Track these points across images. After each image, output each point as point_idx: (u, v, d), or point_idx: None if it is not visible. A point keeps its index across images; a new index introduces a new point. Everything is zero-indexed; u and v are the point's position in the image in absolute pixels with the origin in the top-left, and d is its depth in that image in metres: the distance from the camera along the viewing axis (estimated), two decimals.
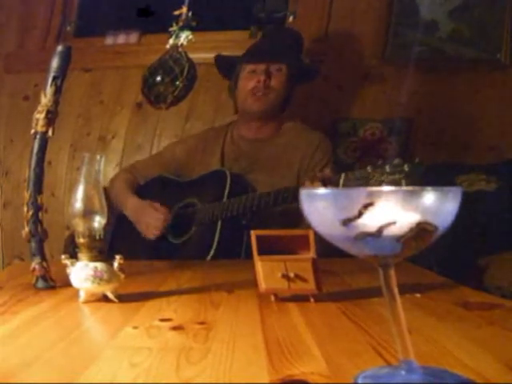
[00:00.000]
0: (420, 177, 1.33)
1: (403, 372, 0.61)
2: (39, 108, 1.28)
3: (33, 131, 1.29)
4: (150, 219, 2.10)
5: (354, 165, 2.71)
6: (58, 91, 1.29)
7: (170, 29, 2.01)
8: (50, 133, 1.28)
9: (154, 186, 2.32)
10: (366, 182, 1.43)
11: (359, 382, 0.62)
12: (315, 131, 2.31)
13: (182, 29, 1.98)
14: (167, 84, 1.98)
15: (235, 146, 2.32)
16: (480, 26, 2.70)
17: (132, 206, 2.20)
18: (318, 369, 0.67)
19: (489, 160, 2.52)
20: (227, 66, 2.34)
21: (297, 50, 2.36)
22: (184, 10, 1.98)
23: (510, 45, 2.66)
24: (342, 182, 1.51)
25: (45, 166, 1.31)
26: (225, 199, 2.00)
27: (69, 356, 0.75)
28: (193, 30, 1.99)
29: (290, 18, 2.87)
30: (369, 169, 1.47)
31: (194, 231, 2.07)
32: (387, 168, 1.40)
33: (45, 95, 1.29)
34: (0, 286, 1.25)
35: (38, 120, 1.28)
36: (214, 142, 2.35)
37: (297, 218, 1.03)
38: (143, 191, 2.30)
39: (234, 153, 2.30)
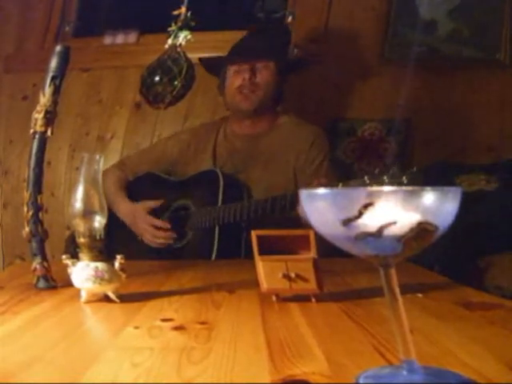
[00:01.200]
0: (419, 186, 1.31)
1: (405, 372, 0.61)
2: (38, 108, 1.28)
3: (32, 131, 1.29)
4: (149, 233, 2.10)
5: (353, 165, 2.72)
6: (56, 91, 1.29)
7: (169, 29, 2.00)
8: (48, 133, 1.28)
9: (144, 185, 2.30)
10: None
11: (360, 382, 0.62)
12: (310, 126, 2.27)
13: (180, 29, 1.98)
14: (165, 84, 1.97)
15: (228, 143, 2.29)
16: (479, 25, 2.70)
17: (125, 212, 2.18)
18: (320, 369, 0.67)
19: (488, 160, 2.53)
20: (214, 66, 2.32)
21: (283, 45, 2.33)
22: (183, 9, 1.98)
23: (510, 44, 2.66)
24: None
25: (44, 166, 1.30)
26: (219, 202, 1.99)
27: (70, 356, 0.75)
28: (191, 29, 1.99)
29: (289, 18, 2.86)
30: (366, 179, 1.45)
31: (192, 236, 2.05)
32: (385, 179, 1.39)
33: (43, 95, 1.28)
34: (1, 286, 1.25)
35: (36, 120, 1.28)
36: (206, 139, 2.32)
37: (296, 224, 1.02)
38: (133, 189, 2.28)
39: (227, 149, 2.27)
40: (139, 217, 2.13)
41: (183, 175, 2.25)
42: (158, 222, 2.09)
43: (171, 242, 2.08)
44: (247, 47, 2.27)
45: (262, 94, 2.18)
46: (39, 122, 1.27)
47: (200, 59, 2.34)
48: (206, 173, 2.16)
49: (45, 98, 1.28)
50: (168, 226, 2.08)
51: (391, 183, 1.37)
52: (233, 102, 2.23)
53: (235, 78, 2.20)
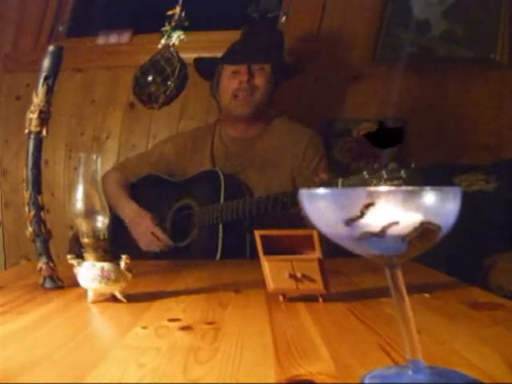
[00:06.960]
0: (418, 183, 1.32)
1: (410, 372, 0.61)
2: (32, 108, 1.28)
3: (27, 131, 1.29)
4: (147, 239, 2.10)
5: (350, 165, 2.72)
6: (49, 91, 1.29)
7: (163, 29, 2.00)
8: (44, 132, 1.28)
9: (146, 185, 2.31)
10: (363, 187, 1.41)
11: (366, 382, 0.62)
12: (303, 128, 2.27)
13: (174, 29, 1.98)
14: (159, 84, 1.97)
15: (224, 146, 2.30)
16: (474, 25, 2.70)
17: (129, 213, 2.18)
18: (326, 369, 0.67)
19: (485, 160, 2.54)
20: (207, 68, 2.31)
21: (278, 49, 2.32)
22: (177, 9, 1.97)
23: (509, 44, 2.67)
24: (339, 187, 1.51)
25: (42, 165, 1.30)
26: (221, 201, 2.00)
27: (77, 356, 0.76)
28: (185, 29, 1.98)
29: (283, 18, 2.86)
30: (365, 174, 1.45)
31: (196, 234, 2.06)
32: (384, 174, 1.40)
33: (36, 95, 1.28)
34: (2, 286, 1.25)
35: (31, 120, 1.28)
36: (202, 142, 2.33)
37: (298, 222, 1.02)
38: (135, 190, 2.29)
39: (224, 152, 2.28)
40: (144, 223, 2.12)
41: (182, 177, 2.25)
42: (160, 235, 2.09)
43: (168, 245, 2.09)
44: (244, 49, 2.26)
45: (259, 97, 2.18)
46: (34, 122, 1.27)
47: (194, 60, 2.33)
48: (206, 172, 2.17)
49: (38, 98, 1.28)
50: (166, 241, 2.09)
51: (390, 179, 1.38)
52: (228, 106, 2.23)
53: (232, 79, 2.19)
